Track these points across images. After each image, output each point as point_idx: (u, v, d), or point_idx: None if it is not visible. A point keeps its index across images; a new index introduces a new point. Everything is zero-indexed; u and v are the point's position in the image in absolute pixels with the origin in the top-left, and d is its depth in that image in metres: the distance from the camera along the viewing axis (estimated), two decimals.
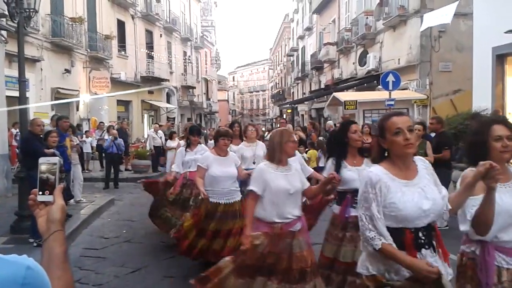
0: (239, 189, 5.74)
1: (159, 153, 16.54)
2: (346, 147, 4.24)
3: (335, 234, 4.18)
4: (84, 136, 16.78)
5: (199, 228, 5.53)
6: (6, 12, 8.48)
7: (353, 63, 25.51)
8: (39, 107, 15.56)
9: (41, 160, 1.46)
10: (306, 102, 36.01)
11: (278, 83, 62.25)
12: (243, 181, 6.02)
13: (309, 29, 38.18)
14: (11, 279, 1.02)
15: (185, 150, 7.14)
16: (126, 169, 17.00)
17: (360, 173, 3.91)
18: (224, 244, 5.40)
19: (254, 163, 6.64)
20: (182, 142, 8.44)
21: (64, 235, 1.42)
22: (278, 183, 3.83)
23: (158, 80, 29.87)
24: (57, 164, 1.46)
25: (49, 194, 1.42)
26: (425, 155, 7.87)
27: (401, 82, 13.85)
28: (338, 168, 4.15)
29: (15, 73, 8.39)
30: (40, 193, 1.43)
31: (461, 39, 16.71)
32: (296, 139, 4.10)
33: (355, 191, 3.70)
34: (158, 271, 6.02)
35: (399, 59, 19.38)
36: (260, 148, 7.01)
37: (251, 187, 3.92)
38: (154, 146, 16.98)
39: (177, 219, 6.79)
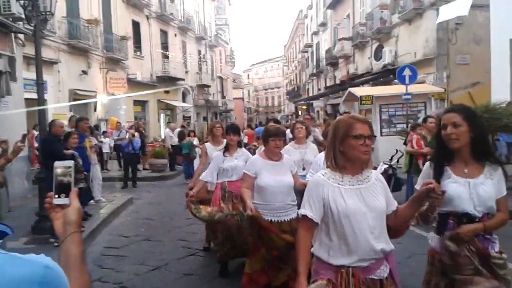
0: (295, 202, 4.53)
1: (176, 152, 16.65)
2: (448, 148, 2.82)
3: (435, 283, 2.81)
4: (102, 136, 16.98)
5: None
6: (23, 16, 8.61)
7: (369, 58, 25.36)
8: (57, 109, 15.76)
9: (56, 163, 1.48)
10: (321, 98, 35.88)
11: (293, 80, 62.14)
12: (302, 193, 5.39)
13: (323, 24, 38.00)
14: (30, 278, 1.04)
15: (223, 154, 5.82)
16: (144, 168, 17.17)
17: (473, 189, 2.72)
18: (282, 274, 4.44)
19: (303, 169, 5.69)
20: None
21: (81, 236, 1.43)
22: (344, 204, 2.39)
23: (174, 80, 30.01)
24: (72, 167, 1.48)
25: (65, 197, 1.44)
26: None
27: (418, 76, 13.73)
28: (438, 176, 2.78)
29: (33, 75, 8.51)
30: (56, 196, 1.44)
31: (478, 31, 16.50)
32: (366, 133, 2.45)
33: (462, 216, 2.73)
34: (178, 268, 6.05)
35: (415, 53, 19.20)
36: (311, 151, 6.02)
37: (302, 211, 2.54)
38: (171, 145, 17.16)
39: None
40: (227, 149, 5.83)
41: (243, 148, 6.27)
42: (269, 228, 4.33)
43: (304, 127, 6.17)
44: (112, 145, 17.46)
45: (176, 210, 9.97)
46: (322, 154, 4.40)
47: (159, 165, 16.75)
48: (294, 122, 6.38)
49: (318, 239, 2.53)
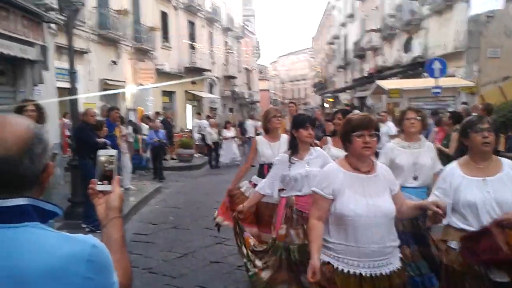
0: (397, 243, 2.80)
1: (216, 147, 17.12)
2: None
3: None
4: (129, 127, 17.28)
5: None
6: (55, 6, 8.81)
7: (398, 50, 24.99)
8: (88, 98, 16.05)
9: (100, 152, 1.57)
10: (348, 91, 35.57)
11: (320, 72, 61.67)
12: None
13: (351, 16, 37.60)
14: (78, 256, 1.13)
15: (289, 159, 3.98)
16: (172, 158, 17.38)
17: None
18: None
19: (415, 178, 4.17)
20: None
21: (122, 221, 1.51)
22: None
23: (201, 71, 30.15)
24: (115, 156, 1.57)
25: (108, 184, 1.53)
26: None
27: (447, 69, 13.51)
28: None
29: (64, 65, 8.71)
30: (99, 183, 1.53)
31: (509, 24, 16.13)
32: None
33: None
34: (205, 256, 6.17)
35: (445, 45, 18.87)
36: (427, 152, 4.31)
37: None
38: (212, 142, 17.38)
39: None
40: (295, 149, 4.01)
41: (318, 148, 4.35)
42: None
43: (420, 117, 4.34)
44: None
45: (202, 199, 10.13)
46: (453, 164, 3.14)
47: (186, 155, 16.98)
48: (403, 110, 4.62)
49: None
